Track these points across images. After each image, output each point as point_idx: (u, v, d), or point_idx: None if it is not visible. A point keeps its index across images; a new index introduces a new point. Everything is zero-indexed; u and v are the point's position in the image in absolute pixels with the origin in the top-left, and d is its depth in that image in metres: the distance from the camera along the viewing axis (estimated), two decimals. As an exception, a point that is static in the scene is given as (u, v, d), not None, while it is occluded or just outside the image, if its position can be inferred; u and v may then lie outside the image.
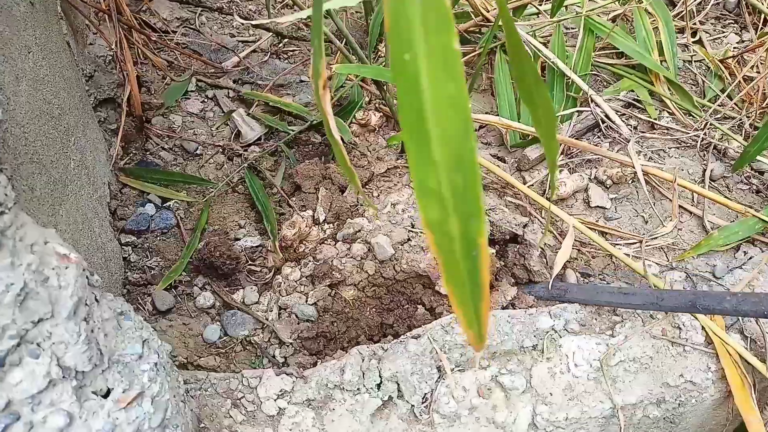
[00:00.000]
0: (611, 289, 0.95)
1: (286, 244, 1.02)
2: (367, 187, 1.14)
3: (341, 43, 1.25)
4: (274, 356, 0.91)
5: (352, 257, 0.98)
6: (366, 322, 0.96)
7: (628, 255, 1.01)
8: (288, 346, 0.92)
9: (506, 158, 1.25)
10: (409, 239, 0.99)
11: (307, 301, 0.95)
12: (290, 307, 0.95)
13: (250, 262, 1.03)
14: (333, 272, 0.97)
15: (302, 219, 1.03)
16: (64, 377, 0.54)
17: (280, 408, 0.81)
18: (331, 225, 1.06)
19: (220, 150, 1.24)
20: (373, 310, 0.97)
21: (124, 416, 0.59)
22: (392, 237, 0.98)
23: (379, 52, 1.42)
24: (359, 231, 1.01)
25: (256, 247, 1.05)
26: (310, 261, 1.00)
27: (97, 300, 0.59)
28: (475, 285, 0.36)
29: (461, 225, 0.34)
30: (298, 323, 0.93)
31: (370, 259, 0.99)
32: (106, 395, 0.58)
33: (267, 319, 0.94)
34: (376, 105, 1.30)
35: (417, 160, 0.33)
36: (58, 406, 0.54)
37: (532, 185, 1.17)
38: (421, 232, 0.99)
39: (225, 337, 0.94)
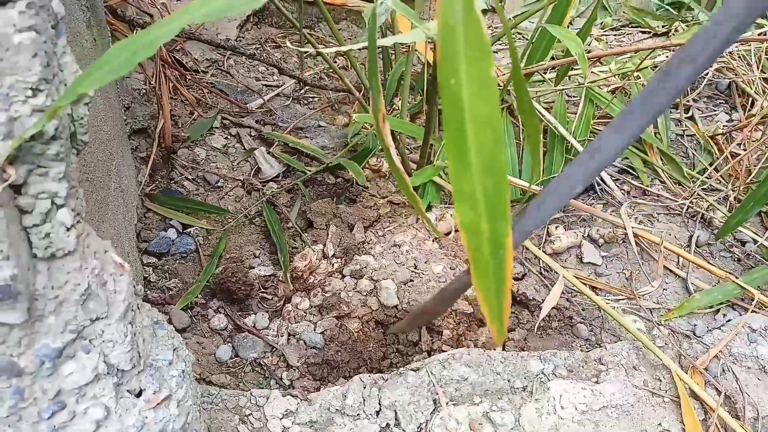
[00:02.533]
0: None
1: (297, 275, 1.09)
2: (373, 227, 1.22)
3: (359, 94, 1.35)
4: (281, 378, 0.97)
5: (358, 291, 1.05)
6: (369, 355, 1.02)
7: (615, 308, 1.08)
8: (294, 369, 0.98)
9: (506, 212, 1.33)
10: (411, 279, 1.07)
11: (315, 329, 1.02)
12: (299, 334, 1.01)
13: (262, 290, 1.10)
14: (340, 305, 1.04)
15: (313, 252, 1.11)
16: (107, 374, 0.60)
17: (284, 427, 0.87)
18: (339, 260, 1.13)
19: (240, 184, 1.32)
20: (376, 344, 1.04)
21: (152, 416, 0.65)
22: (396, 277, 1.06)
23: (394, 105, 1.52)
24: (365, 267, 1.08)
25: (269, 276, 1.12)
26: (319, 292, 1.07)
27: (138, 308, 0.66)
28: (500, 282, 0.42)
29: (490, 226, 0.41)
30: (306, 349, 1.00)
31: (374, 296, 1.06)
32: (138, 395, 0.64)
33: (277, 344, 1.01)
34: (389, 153, 1.40)
35: (456, 167, 0.40)
36: (99, 400, 0.60)
37: (531, 238, 1.25)
38: (423, 273, 1.07)
39: (236, 358, 1.00)
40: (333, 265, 1.12)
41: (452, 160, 0.41)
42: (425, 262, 1.10)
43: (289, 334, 1.02)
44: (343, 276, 1.10)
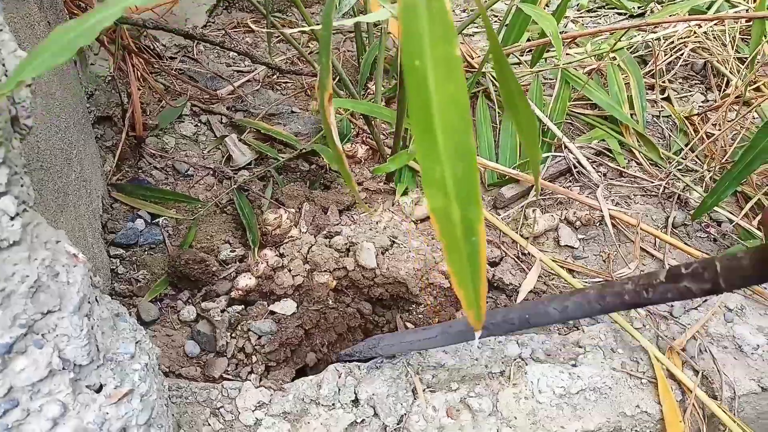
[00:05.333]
0: (413, 333, 0.91)
1: (266, 230, 1.07)
2: (349, 211, 1.19)
3: (333, 78, 1.32)
4: (248, 374, 0.95)
5: (331, 247, 1.04)
6: (347, 322, 1.01)
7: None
8: (254, 355, 0.96)
9: (484, 196, 1.32)
10: (392, 245, 1.06)
11: (281, 300, 1.00)
12: (251, 320, 1.00)
13: (222, 268, 1.08)
14: (314, 264, 1.02)
15: (285, 213, 1.09)
16: (63, 369, 0.57)
17: (257, 419, 0.85)
18: (312, 235, 1.11)
19: (211, 172, 1.29)
20: (351, 309, 1.03)
21: (114, 411, 0.62)
22: (375, 242, 1.05)
23: (368, 89, 1.50)
24: (340, 233, 1.07)
25: (237, 257, 1.09)
26: (286, 248, 1.06)
27: (97, 300, 0.63)
28: (474, 267, 0.41)
29: (461, 211, 0.39)
30: (259, 338, 0.98)
31: (350, 257, 1.04)
32: (98, 390, 0.62)
33: (239, 333, 0.98)
34: (363, 138, 1.37)
35: (425, 150, 0.38)
36: (54, 396, 0.57)
37: (508, 222, 1.24)
38: (403, 245, 1.06)
39: (204, 350, 0.97)
40: (305, 234, 1.11)
41: (420, 144, 0.39)
42: (404, 236, 1.09)
43: (238, 322, 1.00)
44: (316, 240, 1.08)
